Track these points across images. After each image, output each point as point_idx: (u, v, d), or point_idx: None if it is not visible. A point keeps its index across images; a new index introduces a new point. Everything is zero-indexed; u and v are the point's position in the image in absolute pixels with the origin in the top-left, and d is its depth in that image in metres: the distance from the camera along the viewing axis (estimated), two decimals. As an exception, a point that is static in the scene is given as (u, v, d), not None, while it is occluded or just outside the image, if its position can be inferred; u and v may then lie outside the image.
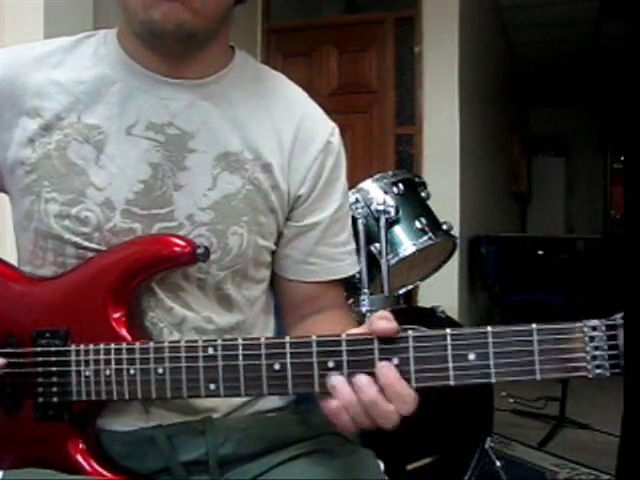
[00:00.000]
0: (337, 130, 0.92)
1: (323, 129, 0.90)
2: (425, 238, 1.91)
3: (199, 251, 0.79)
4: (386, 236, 1.87)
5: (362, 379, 0.69)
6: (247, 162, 0.85)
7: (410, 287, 2.17)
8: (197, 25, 0.77)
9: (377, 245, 1.88)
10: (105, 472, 0.80)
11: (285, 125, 0.87)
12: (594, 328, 0.65)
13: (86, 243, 0.81)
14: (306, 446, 0.86)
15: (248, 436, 0.86)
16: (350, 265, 0.94)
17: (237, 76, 0.88)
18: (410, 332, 0.69)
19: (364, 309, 1.85)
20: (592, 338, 0.65)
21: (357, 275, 1.89)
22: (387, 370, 0.68)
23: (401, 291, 2.11)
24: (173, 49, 0.81)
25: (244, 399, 0.88)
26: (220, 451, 0.84)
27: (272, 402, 0.91)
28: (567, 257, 4.96)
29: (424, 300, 3.39)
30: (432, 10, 3.86)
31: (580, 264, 4.85)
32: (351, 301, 1.90)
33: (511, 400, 3.33)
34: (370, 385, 0.69)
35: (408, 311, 2.07)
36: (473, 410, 1.94)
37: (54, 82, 0.83)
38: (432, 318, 1.85)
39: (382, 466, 0.94)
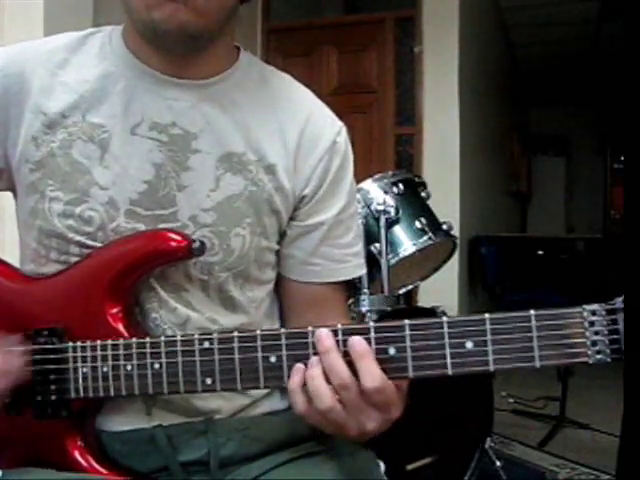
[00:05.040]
0: (344, 130, 0.91)
1: (330, 129, 0.89)
2: (425, 238, 1.91)
3: (195, 245, 0.79)
4: (386, 236, 1.87)
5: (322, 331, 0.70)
6: (251, 163, 0.84)
7: (410, 287, 2.17)
8: (200, 26, 0.77)
9: (377, 245, 1.88)
10: (103, 470, 0.80)
11: (290, 126, 0.87)
12: (594, 313, 0.64)
13: (90, 242, 0.81)
14: (307, 447, 0.86)
15: (249, 437, 0.86)
16: (355, 267, 0.92)
17: (242, 76, 0.87)
18: (406, 321, 0.68)
19: (364, 309, 1.85)
20: (592, 323, 0.63)
21: (357, 275, 1.89)
22: (358, 343, 0.68)
23: (401, 291, 2.11)
24: (176, 49, 0.81)
25: (247, 402, 0.88)
26: (221, 452, 0.84)
27: (274, 405, 0.90)
28: (567, 257, 4.97)
29: (424, 300, 3.39)
30: (432, 10, 3.86)
31: (580, 264, 4.85)
32: (351, 301, 1.89)
33: (511, 400, 3.33)
34: (329, 337, 0.69)
35: (408, 311, 2.06)
36: (473, 410, 1.94)
37: (59, 80, 0.83)
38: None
39: (382, 467, 0.94)
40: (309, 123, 0.87)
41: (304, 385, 0.69)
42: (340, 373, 0.68)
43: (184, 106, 0.83)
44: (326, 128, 0.89)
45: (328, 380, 0.68)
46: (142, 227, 0.81)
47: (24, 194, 0.84)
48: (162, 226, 0.82)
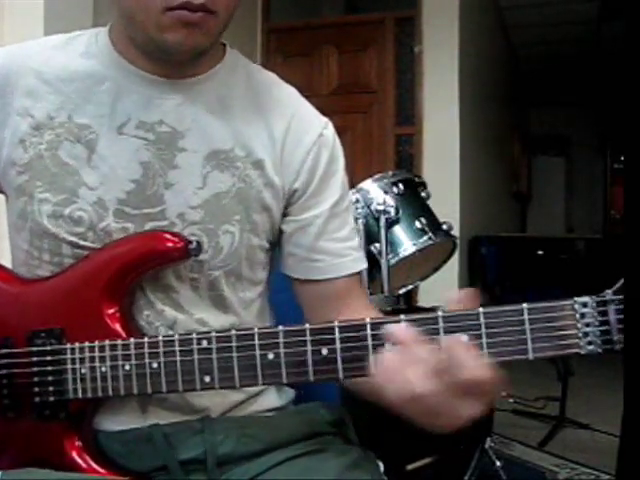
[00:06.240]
0: (330, 124, 0.92)
1: (316, 123, 0.90)
2: (425, 238, 1.90)
3: (191, 246, 0.79)
4: (386, 236, 1.87)
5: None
6: (238, 159, 0.84)
7: (410, 287, 2.17)
8: (208, 44, 0.80)
9: (377, 245, 1.88)
10: (102, 470, 0.80)
11: (277, 121, 0.87)
12: (584, 305, 0.65)
13: (82, 242, 0.81)
14: (305, 446, 0.85)
15: (247, 435, 0.86)
16: (356, 261, 0.91)
17: (228, 74, 0.88)
18: (402, 316, 0.68)
19: (364, 309, 1.85)
20: (583, 315, 0.65)
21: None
22: (454, 342, 0.64)
23: (401, 291, 2.11)
24: (176, 61, 0.82)
25: (242, 398, 0.88)
26: (219, 450, 0.84)
27: (270, 401, 0.91)
28: (567, 257, 4.96)
29: (424, 300, 3.39)
30: (432, 10, 3.86)
31: (580, 264, 4.85)
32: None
33: (511, 400, 3.33)
34: (404, 330, 0.65)
35: (408, 311, 2.06)
36: (473, 410, 1.94)
37: (44, 81, 0.83)
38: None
39: (382, 467, 0.94)
40: (295, 118, 0.88)
41: (391, 374, 0.65)
42: (429, 360, 0.63)
43: (171, 104, 0.83)
44: (312, 122, 0.90)
45: (415, 368, 0.64)
46: (131, 226, 0.82)
47: (13, 197, 0.84)
48: (150, 224, 0.82)
